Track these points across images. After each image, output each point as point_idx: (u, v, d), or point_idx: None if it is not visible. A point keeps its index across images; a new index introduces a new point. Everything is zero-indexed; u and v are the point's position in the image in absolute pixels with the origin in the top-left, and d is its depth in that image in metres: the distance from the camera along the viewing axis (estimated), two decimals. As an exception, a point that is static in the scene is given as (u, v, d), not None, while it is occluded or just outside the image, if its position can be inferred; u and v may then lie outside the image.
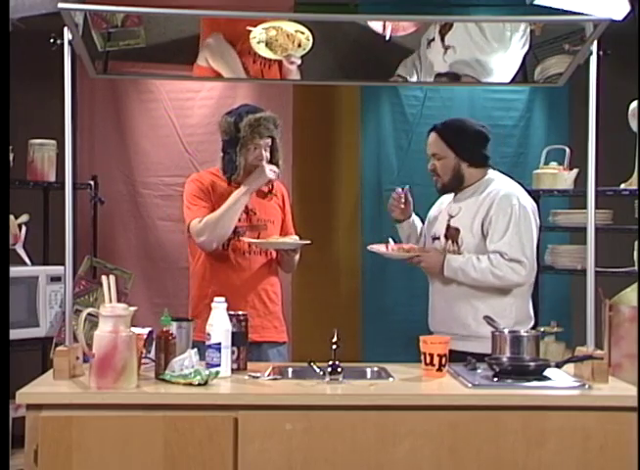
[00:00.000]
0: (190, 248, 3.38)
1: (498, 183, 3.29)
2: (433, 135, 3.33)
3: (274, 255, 3.36)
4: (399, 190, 3.41)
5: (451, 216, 3.29)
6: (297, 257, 3.43)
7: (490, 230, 3.18)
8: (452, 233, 3.27)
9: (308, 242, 3.35)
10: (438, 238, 3.32)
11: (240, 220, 3.29)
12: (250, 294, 3.27)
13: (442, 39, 3.08)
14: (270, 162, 3.35)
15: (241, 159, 3.28)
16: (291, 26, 3.03)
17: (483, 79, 3.20)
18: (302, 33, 3.02)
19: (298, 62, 3.07)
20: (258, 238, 3.30)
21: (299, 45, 3.03)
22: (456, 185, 3.32)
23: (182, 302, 4.16)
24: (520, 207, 3.19)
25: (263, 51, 3.05)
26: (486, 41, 3.08)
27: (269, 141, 3.31)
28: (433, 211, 3.45)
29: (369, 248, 3.36)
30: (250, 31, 3.00)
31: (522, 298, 3.24)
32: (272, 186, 3.43)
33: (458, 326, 3.19)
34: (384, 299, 3.74)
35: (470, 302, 3.20)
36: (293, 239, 3.38)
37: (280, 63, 3.09)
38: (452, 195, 3.36)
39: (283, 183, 3.56)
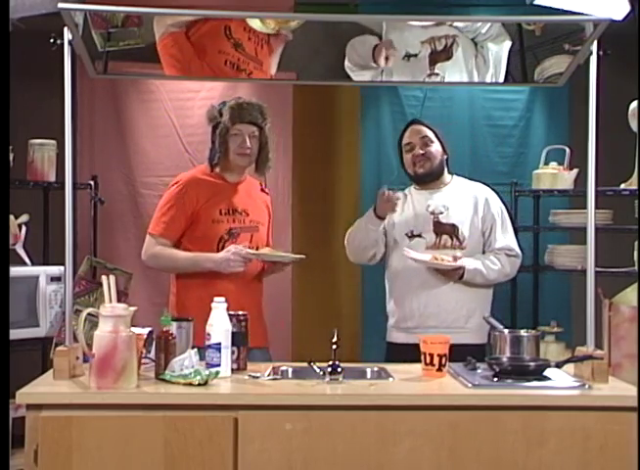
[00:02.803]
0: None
1: (471, 183, 3.52)
2: (416, 126, 3.49)
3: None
4: (387, 190, 3.37)
5: (436, 214, 3.38)
6: None
7: (494, 229, 3.40)
8: (448, 229, 3.37)
9: (303, 256, 3.33)
10: (419, 235, 3.38)
11: (234, 222, 3.26)
12: (243, 297, 3.14)
13: (432, 64, 3.09)
14: (259, 154, 3.31)
15: (222, 144, 3.25)
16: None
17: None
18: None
19: (290, 37, 3.08)
20: (251, 240, 3.29)
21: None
22: (436, 176, 3.46)
23: (182, 302, 4.17)
24: (503, 205, 3.50)
25: (255, 24, 3.04)
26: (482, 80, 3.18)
27: (254, 129, 3.27)
28: (403, 211, 3.46)
29: (410, 256, 3.29)
30: None
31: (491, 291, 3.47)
32: (265, 184, 3.44)
33: (451, 320, 3.31)
34: (383, 299, 3.74)
35: (459, 295, 3.33)
36: (288, 253, 3.40)
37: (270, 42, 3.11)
38: (413, 194, 3.48)
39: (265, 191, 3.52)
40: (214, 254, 3.19)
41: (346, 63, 3.10)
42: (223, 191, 3.29)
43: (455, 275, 3.30)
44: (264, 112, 3.29)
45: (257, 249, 3.28)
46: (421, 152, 3.41)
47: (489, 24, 3.12)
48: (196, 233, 3.24)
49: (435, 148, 3.44)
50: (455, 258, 3.28)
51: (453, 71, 3.12)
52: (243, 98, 3.32)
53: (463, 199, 3.43)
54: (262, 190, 3.44)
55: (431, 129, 3.47)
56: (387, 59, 3.05)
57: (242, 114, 3.24)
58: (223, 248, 3.21)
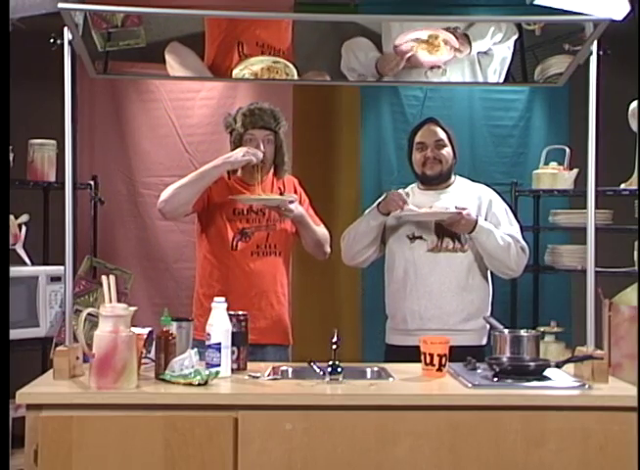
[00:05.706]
0: (197, 242, 3.38)
1: (474, 184, 3.49)
2: (432, 126, 3.42)
3: (284, 255, 3.34)
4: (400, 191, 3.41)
5: None
6: (323, 231, 3.43)
7: (498, 227, 3.32)
8: (450, 231, 3.32)
9: (294, 197, 3.29)
10: (420, 237, 3.34)
11: (248, 222, 3.28)
12: (256, 295, 3.24)
13: None
14: (275, 158, 3.33)
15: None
16: (265, 61, 3.06)
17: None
18: (278, 62, 3.05)
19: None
20: (267, 239, 3.29)
21: (287, 74, 3.05)
22: (444, 179, 3.43)
23: (182, 301, 4.18)
24: (507, 206, 3.46)
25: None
26: (483, 75, 3.16)
27: (268, 134, 3.28)
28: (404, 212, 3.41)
29: (401, 214, 3.29)
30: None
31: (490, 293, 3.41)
32: (283, 188, 3.41)
33: (451, 322, 3.27)
34: (384, 298, 3.74)
35: (460, 297, 3.29)
36: (282, 197, 3.28)
37: None
38: (415, 195, 3.43)
39: (294, 176, 3.53)
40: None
41: (342, 65, 3.11)
42: (240, 192, 3.30)
43: (465, 227, 3.23)
44: (277, 116, 3.31)
45: (275, 247, 3.30)
46: (433, 155, 3.37)
47: (492, 29, 3.11)
48: (211, 231, 3.29)
49: (447, 151, 3.39)
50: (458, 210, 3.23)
51: (455, 66, 3.11)
52: (255, 103, 3.33)
53: (466, 200, 3.37)
54: (281, 193, 3.40)
55: (445, 132, 3.41)
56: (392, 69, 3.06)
57: (254, 119, 3.26)
58: (237, 246, 3.26)
